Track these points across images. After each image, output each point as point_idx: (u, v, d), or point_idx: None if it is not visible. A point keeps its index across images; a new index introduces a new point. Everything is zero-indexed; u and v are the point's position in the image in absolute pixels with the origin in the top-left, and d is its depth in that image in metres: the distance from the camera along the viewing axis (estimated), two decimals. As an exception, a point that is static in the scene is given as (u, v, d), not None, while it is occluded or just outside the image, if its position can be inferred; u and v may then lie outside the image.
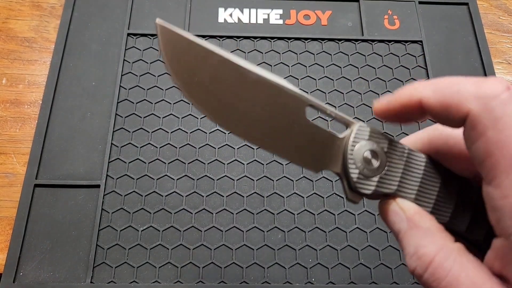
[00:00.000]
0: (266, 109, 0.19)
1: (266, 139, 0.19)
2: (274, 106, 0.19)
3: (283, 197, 0.36)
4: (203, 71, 0.19)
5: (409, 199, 0.18)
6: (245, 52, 0.42)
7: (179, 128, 0.39)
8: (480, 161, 0.15)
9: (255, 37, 0.43)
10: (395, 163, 0.19)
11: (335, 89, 0.41)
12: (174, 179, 0.36)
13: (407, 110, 0.17)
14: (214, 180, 0.37)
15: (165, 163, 0.37)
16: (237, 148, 0.38)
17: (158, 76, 0.41)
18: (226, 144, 0.38)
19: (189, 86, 0.19)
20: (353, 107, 0.40)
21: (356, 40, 0.43)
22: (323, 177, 0.37)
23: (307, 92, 0.41)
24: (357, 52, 0.43)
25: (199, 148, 0.38)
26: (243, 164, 0.37)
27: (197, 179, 0.37)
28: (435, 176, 0.19)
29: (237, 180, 0.37)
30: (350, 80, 0.41)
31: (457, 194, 0.19)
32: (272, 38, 0.43)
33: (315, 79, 0.41)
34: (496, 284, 0.14)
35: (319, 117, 0.38)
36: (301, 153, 0.19)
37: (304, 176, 0.37)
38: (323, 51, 0.43)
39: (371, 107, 0.40)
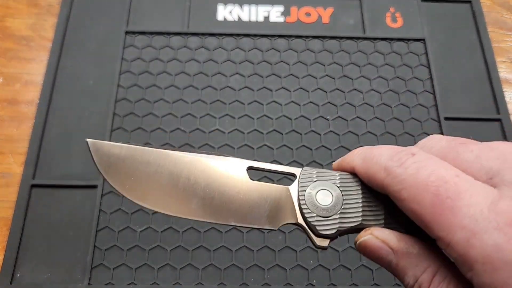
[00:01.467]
0: (207, 188, 0.19)
1: (216, 215, 0.19)
2: (214, 182, 0.19)
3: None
4: (136, 171, 0.19)
5: (379, 225, 0.18)
6: (245, 51, 0.42)
7: (178, 128, 0.38)
8: (414, 219, 0.16)
9: (255, 35, 0.42)
10: (352, 194, 0.18)
11: (337, 88, 0.40)
12: (173, 180, 0.36)
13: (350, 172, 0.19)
14: (213, 180, 0.36)
15: (164, 163, 0.37)
16: (237, 148, 0.37)
17: (157, 74, 0.40)
18: (226, 144, 0.37)
19: (127, 188, 0.19)
20: (354, 107, 0.40)
21: (358, 38, 0.43)
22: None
23: (308, 91, 0.40)
24: (359, 51, 0.42)
25: (198, 148, 0.37)
26: (243, 164, 0.37)
27: (197, 180, 0.36)
28: None
29: (237, 180, 0.36)
30: (351, 79, 0.41)
31: None
32: (273, 36, 0.43)
33: (316, 78, 0.41)
34: None
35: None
36: (255, 217, 0.19)
37: (305, 177, 0.36)
38: (325, 50, 0.42)
39: (373, 106, 0.40)
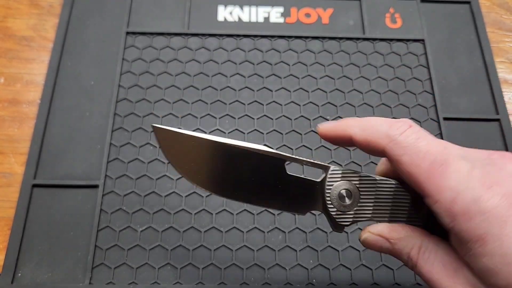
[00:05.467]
0: (253, 174, 0.23)
1: (256, 198, 0.23)
2: (259, 170, 0.23)
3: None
4: (195, 156, 0.23)
5: (384, 220, 0.22)
6: (245, 51, 0.42)
7: (179, 128, 0.38)
8: (408, 179, 0.20)
9: (255, 36, 0.43)
10: (367, 194, 0.22)
11: (336, 89, 0.41)
12: (173, 179, 0.36)
13: (341, 140, 0.22)
14: (214, 180, 0.36)
15: (164, 163, 0.37)
16: (237, 148, 0.38)
17: (158, 75, 0.41)
18: (226, 144, 0.38)
19: (187, 171, 0.23)
20: (354, 107, 0.40)
21: (358, 39, 0.43)
22: (324, 177, 0.37)
23: (308, 92, 0.40)
24: (359, 51, 0.42)
25: (199, 148, 0.37)
26: (243, 164, 0.37)
27: (197, 179, 0.36)
28: (404, 196, 0.22)
29: (237, 180, 0.36)
30: (351, 80, 0.41)
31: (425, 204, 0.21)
32: (273, 36, 0.43)
33: (316, 78, 0.41)
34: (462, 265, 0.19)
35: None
36: (287, 203, 0.23)
37: (304, 176, 0.37)
38: (324, 50, 0.42)
39: (372, 107, 0.40)
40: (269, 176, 0.23)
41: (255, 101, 0.40)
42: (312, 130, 0.39)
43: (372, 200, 0.22)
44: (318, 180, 0.23)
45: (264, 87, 0.40)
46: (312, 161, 0.23)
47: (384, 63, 0.42)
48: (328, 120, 0.39)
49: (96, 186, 0.36)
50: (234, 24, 0.43)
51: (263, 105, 0.40)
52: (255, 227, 0.35)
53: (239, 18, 0.44)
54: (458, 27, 0.44)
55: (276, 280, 0.33)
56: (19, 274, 0.33)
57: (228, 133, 0.38)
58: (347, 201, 0.22)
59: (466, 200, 0.18)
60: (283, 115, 0.39)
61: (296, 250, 0.34)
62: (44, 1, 0.44)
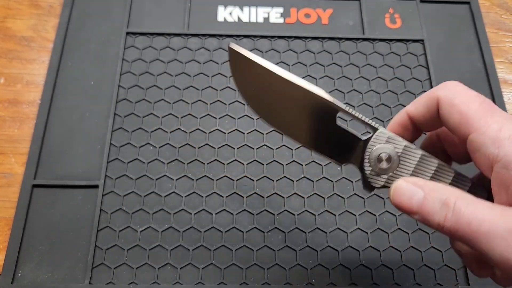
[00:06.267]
0: (306, 114, 0.24)
1: (304, 137, 0.24)
2: (312, 111, 0.24)
3: (283, 197, 0.36)
4: (261, 84, 0.24)
5: None
6: (245, 51, 0.42)
7: (179, 128, 0.38)
8: (458, 120, 0.21)
9: (255, 36, 0.43)
10: (406, 165, 0.22)
11: (336, 89, 0.41)
12: (173, 180, 0.36)
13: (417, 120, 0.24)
14: (213, 180, 0.36)
15: (164, 163, 0.37)
16: (237, 148, 0.38)
17: (158, 75, 0.41)
18: (226, 144, 0.38)
19: (250, 94, 0.25)
20: (354, 107, 0.40)
21: (357, 39, 0.43)
22: (324, 177, 0.37)
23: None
24: (358, 51, 0.42)
25: (198, 148, 0.37)
26: (243, 164, 0.37)
27: (197, 180, 0.36)
28: (445, 174, 0.22)
29: (237, 180, 0.36)
30: (351, 80, 0.41)
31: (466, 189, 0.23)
32: (272, 37, 0.43)
33: (316, 79, 0.41)
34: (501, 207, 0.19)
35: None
36: (331, 149, 0.24)
37: (304, 177, 0.37)
38: (324, 50, 0.42)
39: (372, 107, 0.40)
40: (320, 121, 0.24)
41: (255, 101, 0.40)
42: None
43: (410, 171, 0.22)
44: (364, 138, 0.23)
45: (264, 87, 0.40)
46: (363, 119, 0.23)
47: (384, 63, 0.42)
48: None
49: (96, 186, 0.36)
50: (234, 25, 0.43)
51: (262, 105, 0.40)
52: (255, 227, 0.35)
53: (239, 19, 0.44)
54: (458, 27, 0.44)
55: (276, 280, 0.33)
56: (19, 274, 0.33)
57: (228, 133, 0.38)
58: (385, 164, 0.22)
59: (510, 128, 0.20)
60: (283, 115, 0.39)
61: (295, 250, 0.34)
62: (44, 2, 0.45)
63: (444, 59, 0.42)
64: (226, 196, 0.36)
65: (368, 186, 0.23)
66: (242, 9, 0.44)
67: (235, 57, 0.25)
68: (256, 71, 0.24)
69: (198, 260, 0.33)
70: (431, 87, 0.41)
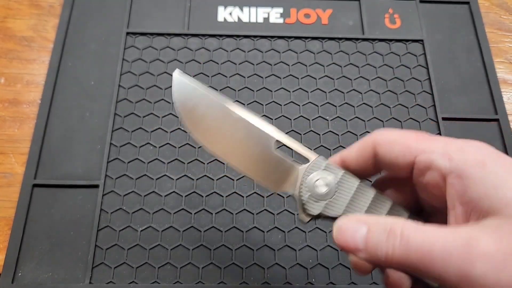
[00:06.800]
0: (243, 142, 0.24)
1: (241, 163, 0.24)
2: (249, 139, 0.24)
3: (283, 197, 0.36)
4: (202, 110, 0.25)
5: None
6: (244, 51, 0.42)
7: (179, 128, 0.38)
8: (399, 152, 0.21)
9: (255, 36, 0.43)
10: (343, 193, 0.22)
11: (336, 89, 0.41)
12: (173, 179, 0.36)
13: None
14: (213, 180, 0.36)
15: (164, 163, 0.37)
16: (237, 148, 0.38)
17: (158, 75, 0.41)
18: (226, 144, 0.38)
19: (191, 121, 0.25)
20: (353, 107, 0.40)
21: (357, 39, 0.43)
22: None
23: (307, 92, 0.40)
24: (358, 51, 0.43)
25: (198, 148, 0.38)
26: (243, 164, 0.37)
27: (197, 179, 0.36)
28: (381, 206, 0.22)
29: (236, 180, 0.36)
30: (350, 80, 0.41)
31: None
32: (272, 37, 0.43)
33: (315, 79, 0.41)
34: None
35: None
36: (266, 176, 0.24)
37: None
38: (324, 50, 0.42)
39: (372, 107, 0.40)
40: (257, 148, 0.24)
41: (255, 101, 0.40)
42: (312, 130, 0.39)
43: (347, 199, 0.22)
44: (301, 166, 0.23)
45: (264, 87, 0.40)
46: (301, 149, 0.24)
47: (383, 63, 0.42)
48: (327, 120, 0.39)
49: (96, 186, 0.36)
50: (234, 25, 0.43)
51: (262, 105, 0.40)
52: (255, 227, 0.35)
53: (239, 19, 0.44)
54: (457, 27, 0.44)
55: (276, 279, 0.33)
56: (20, 274, 0.33)
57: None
58: (322, 190, 0.22)
59: (456, 142, 0.20)
60: (283, 115, 0.39)
61: (295, 250, 0.34)
62: (45, 2, 0.45)
63: (444, 59, 0.43)
64: (226, 196, 0.36)
65: (304, 214, 0.22)
66: (242, 9, 0.44)
67: (178, 84, 0.25)
68: (198, 97, 0.25)
69: (198, 259, 0.33)
70: (431, 87, 0.41)
